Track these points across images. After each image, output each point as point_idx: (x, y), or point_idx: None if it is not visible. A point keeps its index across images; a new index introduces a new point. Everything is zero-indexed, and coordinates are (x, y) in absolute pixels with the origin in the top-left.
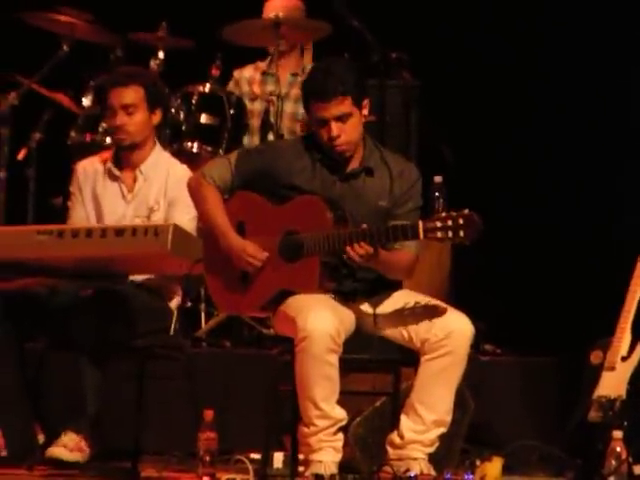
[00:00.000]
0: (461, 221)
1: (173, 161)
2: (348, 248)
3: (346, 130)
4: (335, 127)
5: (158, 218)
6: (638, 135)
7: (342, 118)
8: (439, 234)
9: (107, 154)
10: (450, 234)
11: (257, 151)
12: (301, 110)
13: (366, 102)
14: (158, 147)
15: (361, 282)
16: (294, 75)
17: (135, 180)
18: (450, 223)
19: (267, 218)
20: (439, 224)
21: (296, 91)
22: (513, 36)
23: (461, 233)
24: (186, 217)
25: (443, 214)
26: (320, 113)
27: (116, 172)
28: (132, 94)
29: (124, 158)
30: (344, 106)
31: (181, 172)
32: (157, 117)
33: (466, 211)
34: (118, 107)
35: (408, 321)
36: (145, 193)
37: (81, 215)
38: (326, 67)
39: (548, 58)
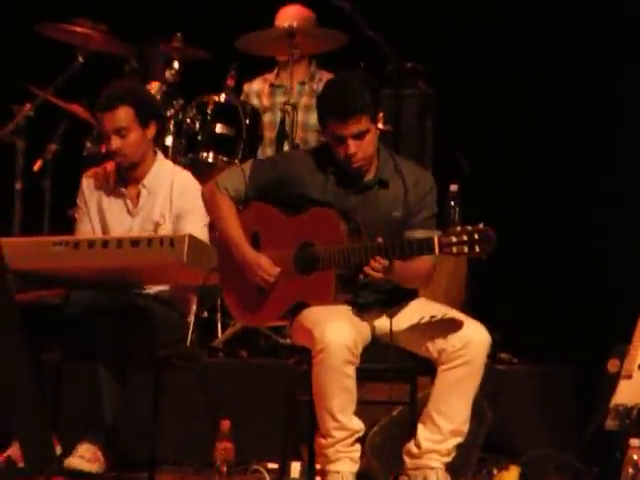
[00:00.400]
0: (477, 236)
1: (177, 170)
2: (366, 268)
3: (362, 147)
4: (353, 145)
5: (165, 232)
6: None
7: (359, 136)
8: (455, 249)
9: (111, 165)
10: (465, 249)
11: (271, 162)
12: (312, 119)
13: (381, 115)
14: (160, 157)
15: (377, 293)
16: (302, 84)
17: (139, 195)
18: (465, 238)
19: (281, 229)
20: (454, 239)
21: (305, 100)
22: (530, 44)
23: (477, 248)
24: (197, 226)
25: (458, 228)
26: (338, 131)
27: (120, 189)
28: (122, 116)
29: (126, 175)
30: (362, 124)
31: (185, 181)
32: (152, 130)
33: (481, 225)
34: (110, 132)
35: (425, 328)
36: (150, 207)
37: (87, 229)
38: (342, 84)
39: (563, 66)
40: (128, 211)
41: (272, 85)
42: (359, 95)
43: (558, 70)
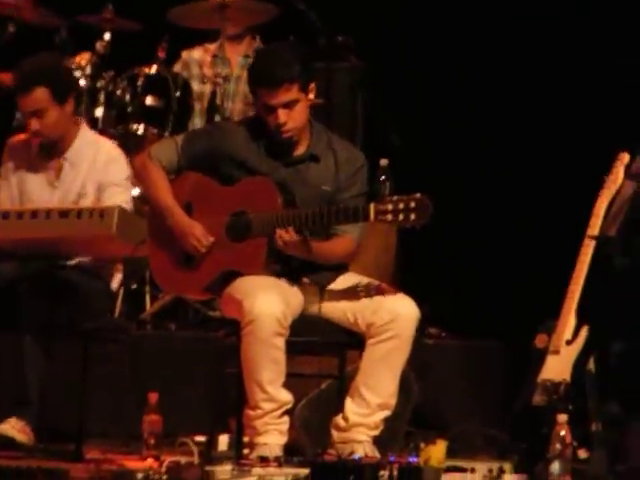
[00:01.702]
0: (413, 204)
1: (101, 141)
2: (278, 233)
3: (293, 116)
4: (282, 114)
5: (87, 203)
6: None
7: (289, 105)
8: (390, 217)
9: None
10: (401, 217)
11: (204, 132)
12: None
13: (312, 86)
14: (83, 128)
15: (307, 261)
16: (246, 57)
17: (61, 168)
18: (402, 206)
19: (215, 198)
20: (390, 207)
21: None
22: (462, 16)
23: (412, 217)
24: (120, 198)
25: (395, 197)
26: (267, 100)
27: (42, 161)
28: (38, 98)
29: (49, 149)
30: (291, 93)
31: (108, 153)
32: (70, 105)
33: (418, 195)
34: (28, 114)
35: (354, 301)
36: (72, 179)
37: (6, 192)
38: (272, 53)
39: (496, 40)
40: (49, 183)
41: (214, 56)
42: (288, 64)
43: (491, 40)
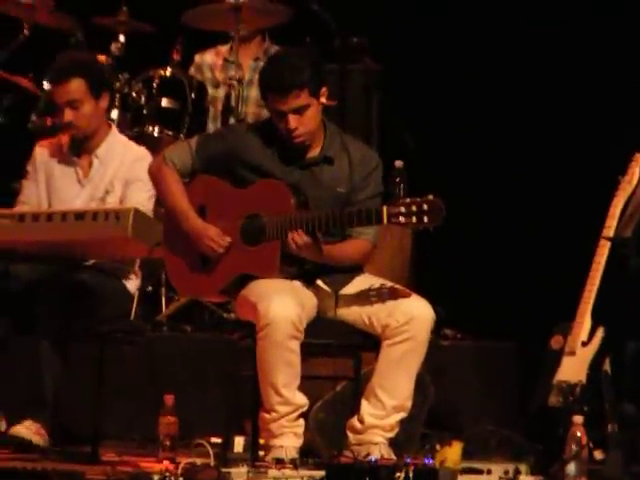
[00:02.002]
0: (425, 207)
1: (130, 144)
2: (289, 236)
3: (304, 122)
4: (292, 120)
5: (114, 200)
6: (593, 119)
7: (299, 110)
8: (403, 219)
9: (66, 137)
10: (414, 219)
11: (218, 134)
12: None
13: (324, 90)
14: (114, 130)
15: (322, 263)
16: (256, 60)
17: (91, 165)
18: (414, 208)
19: (229, 201)
20: (403, 209)
21: None
22: (477, 19)
23: (425, 219)
24: (143, 195)
25: (408, 199)
26: (277, 106)
27: (72, 158)
28: (74, 89)
29: (80, 145)
30: (301, 99)
31: (137, 153)
32: (105, 101)
33: (430, 197)
34: (63, 104)
35: (369, 303)
36: (101, 176)
37: (32, 191)
38: (282, 59)
39: (510, 42)
40: (78, 180)
41: (226, 60)
42: (298, 70)
43: (505, 43)
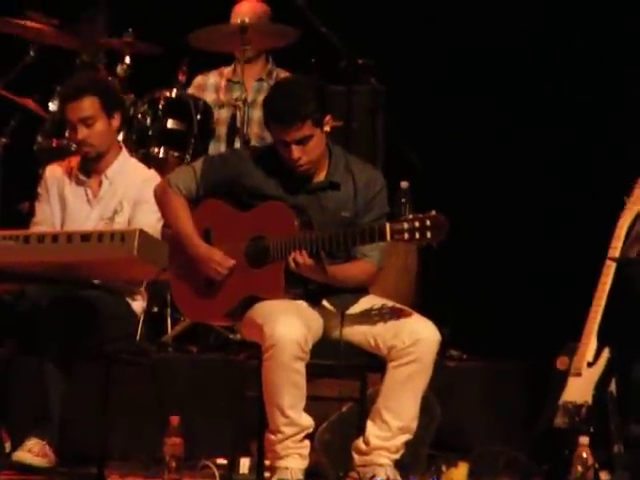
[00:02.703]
0: (428, 222)
1: (140, 166)
2: (291, 255)
3: (307, 151)
4: (296, 150)
5: (122, 220)
6: (599, 133)
7: (302, 141)
8: (406, 235)
9: (76, 159)
10: (417, 235)
11: (222, 159)
12: None
13: (328, 118)
14: (124, 152)
15: (327, 284)
16: (259, 81)
17: (100, 185)
18: (417, 224)
19: (233, 224)
20: (406, 225)
21: (263, 97)
22: (480, 39)
23: (428, 234)
24: (152, 217)
25: (410, 215)
26: (280, 136)
27: (82, 178)
28: (88, 106)
29: (90, 165)
30: (304, 130)
31: (147, 174)
32: (117, 121)
33: (433, 212)
34: (76, 121)
35: (375, 324)
36: (110, 196)
37: (46, 212)
38: (285, 89)
39: (516, 61)
40: (88, 200)
41: (229, 80)
42: (301, 101)
43: (509, 68)
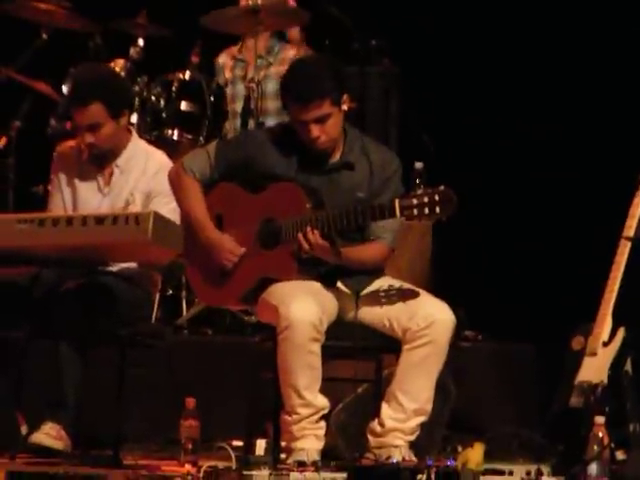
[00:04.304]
0: (437, 197)
1: (151, 151)
2: (300, 235)
3: (326, 130)
4: (315, 129)
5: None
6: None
7: (321, 119)
8: (415, 211)
9: None
10: (427, 211)
11: (235, 142)
12: (269, 88)
13: (345, 97)
14: (134, 137)
15: (342, 265)
16: (261, 57)
17: (112, 174)
18: (426, 200)
19: (245, 208)
20: (415, 201)
21: (276, 69)
22: (493, 21)
23: (437, 209)
24: (166, 208)
25: (419, 191)
26: (299, 116)
27: (93, 167)
28: (93, 113)
29: (100, 156)
30: (323, 108)
31: (159, 163)
32: (125, 118)
33: (441, 187)
34: (83, 127)
35: (390, 306)
36: (121, 186)
37: (58, 204)
38: (304, 69)
39: (533, 42)
40: (99, 189)
41: (235, 58)
42: (320, 80)
43: (527, 43)
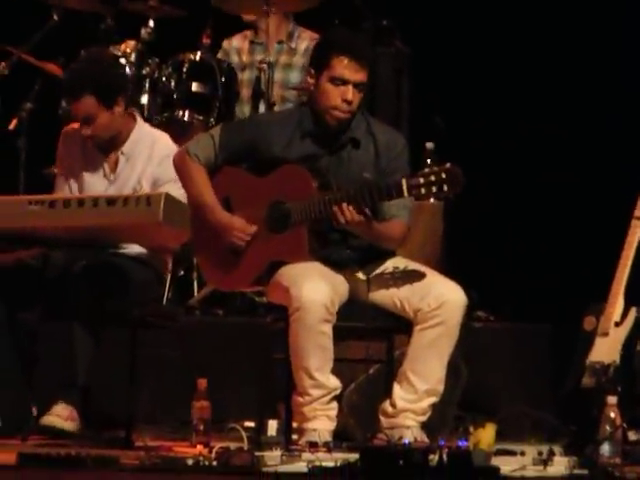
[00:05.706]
0: (444, 175)
1: (156, 136)
2: (335, 209)
3: (355, 100)
4: (352, 92)
5: None
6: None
7: (359, 86)
8: (423, 190)
9: None
10: (434, 189)
11: (240, 126)
12: (291, 78)
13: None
14: (138, 123)
15: (353, 250)
16: (280, 43)
17: (117, 161)
18: (433, 178)
19: (252, 191)
20: (422, 180)
21: (285, 58)
22: (506, 5)
23: (445, 187)
24: (176, 193)
25: (426, 170)
26: (345, 73)
27: (98, 153)
28: (86, 106)
29: (104, 144)
30: (366, 75)
31: (165, 149)
32: (120, 105)
33: (448, 165)
34: (79, 119)
35: (401, 287)
36: (128, 173)
37: (64, 189)
38: (353, 29)
39: (543, 25)
40: (105, 176)
41: (252, 42)
42: (369, 46)
43: (537, 30)
